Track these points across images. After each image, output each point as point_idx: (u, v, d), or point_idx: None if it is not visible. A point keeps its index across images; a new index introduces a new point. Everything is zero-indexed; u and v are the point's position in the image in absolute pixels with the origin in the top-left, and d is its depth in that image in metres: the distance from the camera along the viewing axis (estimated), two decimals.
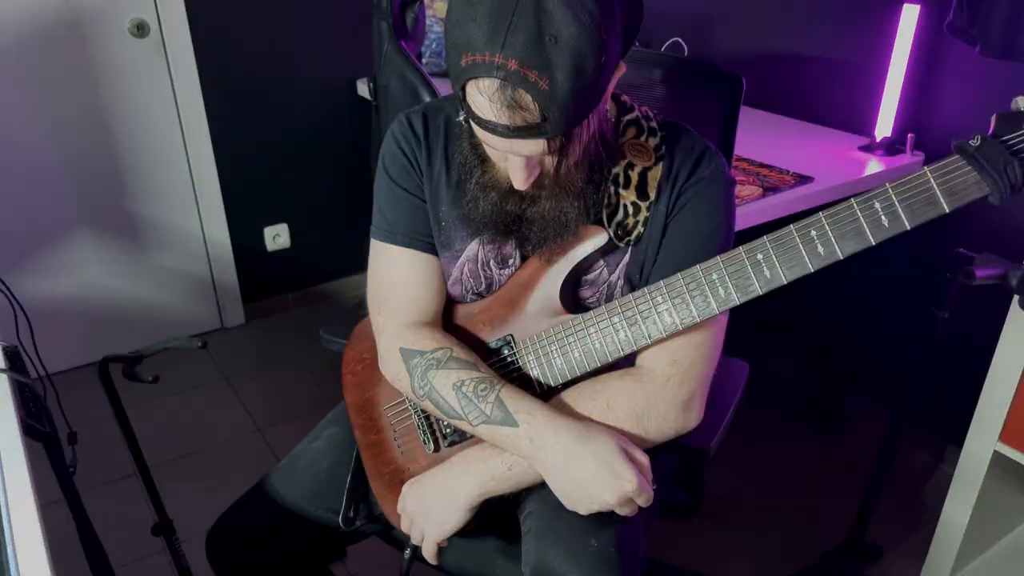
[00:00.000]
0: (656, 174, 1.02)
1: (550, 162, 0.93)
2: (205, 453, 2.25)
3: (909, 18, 1.92)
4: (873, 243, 0.85)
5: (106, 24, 2.34)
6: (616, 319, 0.99)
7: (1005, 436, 1.49)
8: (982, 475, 1.55)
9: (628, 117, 1.03)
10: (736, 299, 0.92)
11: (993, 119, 0.79)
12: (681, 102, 1.44)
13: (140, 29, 2.38)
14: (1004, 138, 0.78)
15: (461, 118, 0.96)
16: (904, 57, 1.96)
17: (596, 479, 0.93)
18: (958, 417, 1.63)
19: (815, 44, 2.23)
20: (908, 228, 0.83)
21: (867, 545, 1.84)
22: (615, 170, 1.02)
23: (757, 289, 0.91)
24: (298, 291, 3.01)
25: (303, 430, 1.30)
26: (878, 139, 2.03)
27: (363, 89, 2.75)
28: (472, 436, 1.06)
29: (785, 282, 0.89)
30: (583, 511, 0.96)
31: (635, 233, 1.03)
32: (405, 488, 1.11)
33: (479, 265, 1.09)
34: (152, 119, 2.51)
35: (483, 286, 1.11)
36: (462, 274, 1.11)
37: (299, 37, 2.66)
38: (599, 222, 1.03)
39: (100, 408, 1.39)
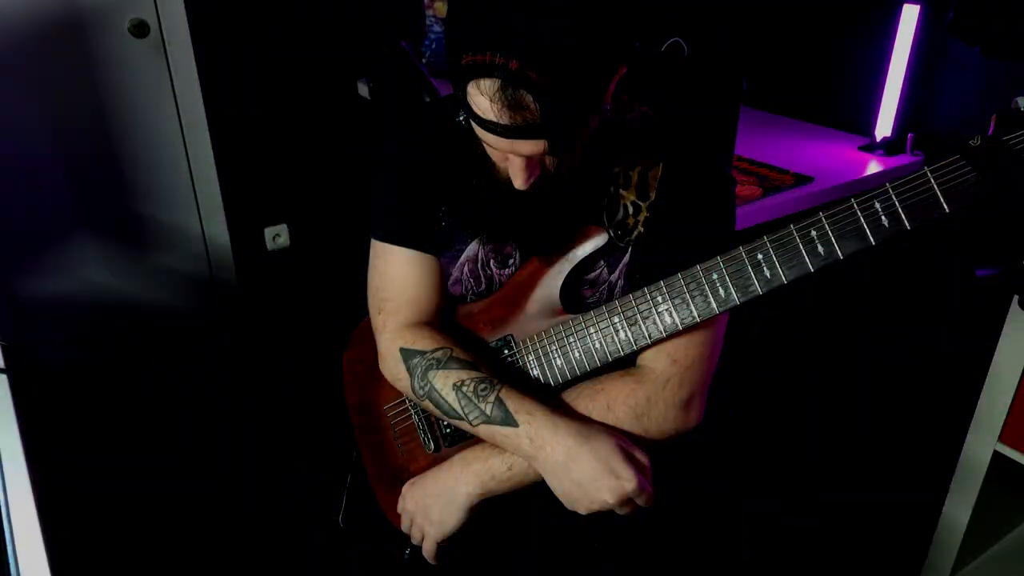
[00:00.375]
0: (656, 174, 1.02)
1: (550, 162, 0.93)
2: (205, 453, 2.25)
3: (909, 18, 1.92)
4: (873, 243, 0.85)
5: (106, 24, 2.34)
6: (616, 319, 0.99)
7: (1005, 436, 1.49)
8: (982, 475, 1.55)
9: (628, 117, 1.03)
10: (736, 299, 0.92)
11: (993, 119, 0.79)
12: (681, 102, 1.44)
13: (140, 29, 2.38)
14: (1004, 138, 0.78)
15: (461, 118, 0.96)
16: (904, 57, 1.96)
17: (596, 479, 0.93)
18: (958, 417, 1.63)
19: (815, 44, 2.23)
20: (908, 228, 0.83)
21: (867, 545, 1.84)
22: (615, 170, 1.02)
23: (757, 289, 0.91)
24: (298, 291, 3.01)
25: (303, 431, 1.30)
26: (878, 139, 2.03)
27: (363, 89, 2.75)
28: (472, 436, 1.06)
29: (785, 282, 0.89)
30: (583, 511, 0.96)
31: (635, 233, 1.03)
32: (405, 488, 1.11)
33: (479, 265, 1.09)
34: (152, 119, 2.51)
35: (483, 286, 1.11)
36: (462, 274, 1.11)
37: (299, 37, 2.66)
38: (599, 222, 1.03)
39: (100, 408, 1.39)
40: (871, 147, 2.04)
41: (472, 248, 1.09)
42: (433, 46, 2.68)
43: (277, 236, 2.89)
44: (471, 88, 0.84)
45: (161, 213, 2.63)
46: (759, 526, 1.97)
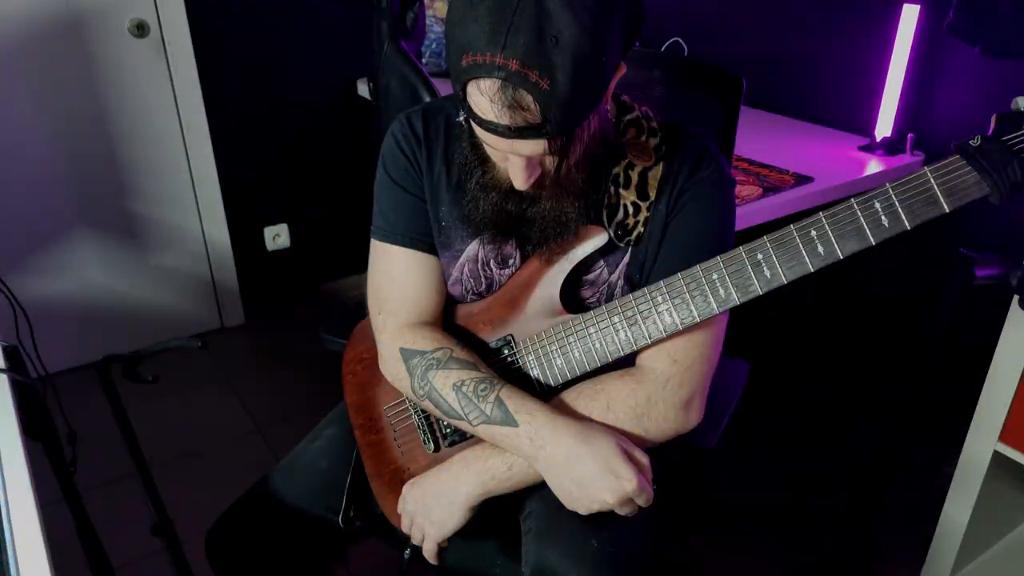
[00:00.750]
0: (656, 174, 1.02)
1: (551, 162, 0.93)
2: (205, 453, 2.25)
3: (909, 18, 1.92)
4: (873, 243, 0.85)
5: (106, 24, 2.34)
6: (616, 319, 0.99)
7: (1005, 436, 1.49)
8: (982, 475, 1.55)
9: (628, 117, 1.03)
10: (736, 299, 0.92)
11: (993, 119, 0.79)
12: (681, 102, 1.44)
13: (140, 29, 2.38)
14: (1004, 138, 0.78)
15: (461, 118, 0.96)
16: (904, 57, 1.96)
17: (596, 479, 0.93)
18: (958, 417, 1.63)
19: (815, 44, 2.23)
20: (908, 228, 0.83)
21: (867, 545, 1.84)
22: (615, 170, 1.02)
23: (757, 289, 0.91)
24: (298, 291, 3.01)
25: (303, 430, 1.30)
26: (878, 139, 2.03)
27: (363, 89, 2.76)
28: (472, 436, 1.06)
29: (785, 282, 0.89)
30: (583, 511, 0.96)
31: (635, 233, 1.03)
32: (405, 488, 1.11)
33: (479, 265, 1.09)
34: (152, 119, 2.51)
35: (483, 286, 1.11)
36: (462, 274, 1.11)
37: (299, 37, 2.66)
38: (599, 222, 1.03)
39: (100, 408, 1.39)
40: (871, 147, 2.04)
41: (472, 248, 1.09)
42: (433, 46, 2.68)
43: (277, 236, 2.90)
44: (471, 88, 0.84)
45: (161, 213, 2.63)
46: (759, 526, 1.97)
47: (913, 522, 1.95)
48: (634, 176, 1.02)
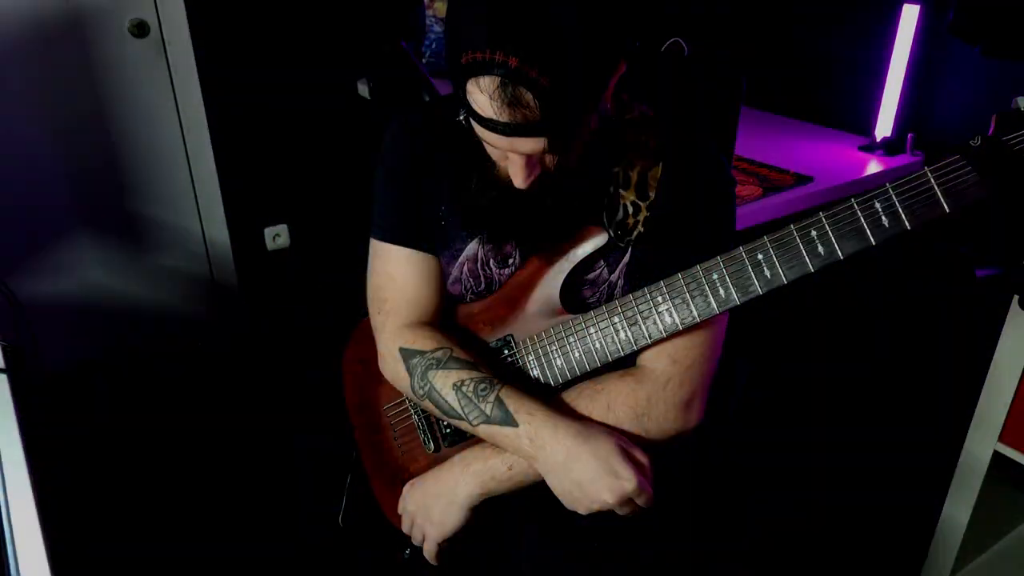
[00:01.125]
0: (656, 173, 1.02)
1: (550, 161, 0.93)
2: (204, 453, 2.25)
3: (909, 18, 1.92)
4: (873, 243, 0.85)
5: (106, 24, 2.34)
6: (616, 319, 0.99)
7: (1005, 436, 1.49)
8: (982, 475, 1.55)
9: (628, 116, 1.03)
10: (736, 299, 0.92)
11: (993, 119, 0.79)
12: (681, 102, 1.44)
13: (140, 29, 2.38)
14: (1005, 138, 0.78)
15: (461, 117, 0.96)
16: (904, 57, 1.96)
17: (596, 479, 0.93)
18: (958, 417, 1.63)
19: (815, 44, 2.23)
20: (908, 228, 0.83)
21: (868, 545, 1.84)
22: (615, 169, 1.02)
23: (757, 289, 0.91)
24: (298, 291, 3.01)
25: (303, 430, 1.30)
26: (878, 139, 2.03)
27: (363, 89, 2.75)
28: (472, 436, 1.06)
29: (785, 282, 0.89)
30: (583, 511, 0.96)
31: (635, 233, 1.03)
32: (406, 489, 1.11)
33: (479, 265, 1.09)
34: (152, 119, 2.51)
35: (482, 286, 1.11)
36: (462, 273, 1.11)
37: (299, 37, 2.66)
38: (599, 222, 1.03)
39: (100, 408, 1.39)
40: (871, 147, 2.04)
41: (472, 248, 1.09)
42: (433, 46, 2.68)
43: (277, 236, 2.89)
44: (471, 86, 0.83)
45: (161, 213, 2.63)
46: (759, 526, 1.97)
47: (913, 522, 1.95)
48: (634, 176, 1.02)
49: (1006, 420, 1.48)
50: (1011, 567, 1.72)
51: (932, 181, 0.81)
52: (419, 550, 1.10)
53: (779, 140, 2.14)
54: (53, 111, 2.35)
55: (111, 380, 2.52)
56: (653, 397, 1.01)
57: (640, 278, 1.05)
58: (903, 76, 1.98)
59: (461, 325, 1.12)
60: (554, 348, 1.04)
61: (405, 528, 1.10)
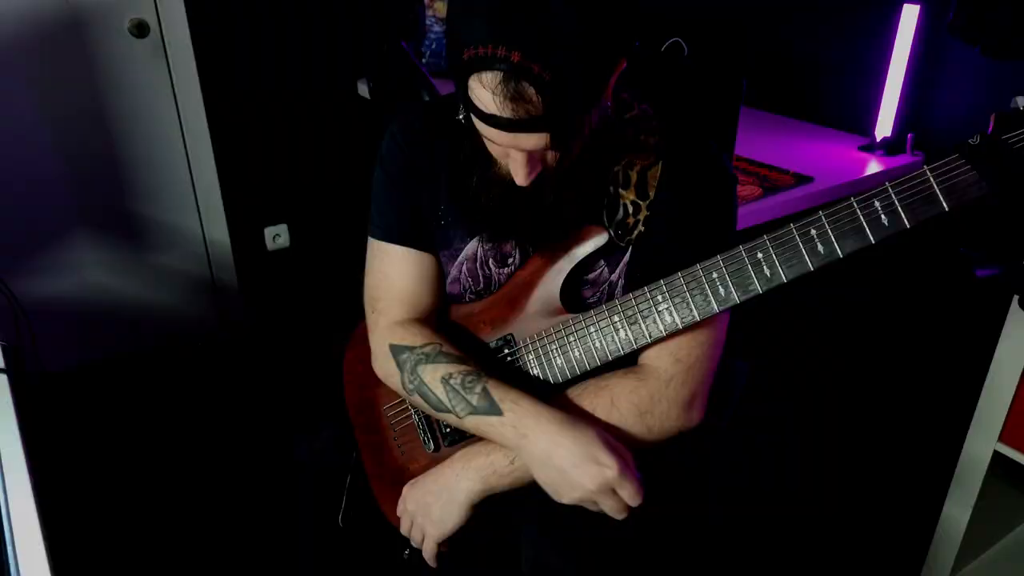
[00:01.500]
0: (656, 173, 1.02)
1: (552, 158, 0.93)
2: (205, 453, 2.25)
3: (909, 18, 1.92)
4: (873, 242, 0.85)
5: (106, 24, 2.34)
6: (616, 318, 0.99)
7: (1005, 436, 1.49)
8: (982, 475, 1.55)
9: (628, 115, 1.03)
10: (736, 298, 0.92)
11: (993, 118, 0.79)
12: (681, 102, 1.44)
13: (140, 29, 2.38)
14: (1004, 137, 0.78)
15: (461, 116, 0.96)
16: (904, 57, 1.96)
17: (577, 466, 0.93)
18: (958, 417, 1.63)
19: (815, 44, 2.23)
20: (908, 227, 0.83)
21: (867, 545, 1.84)
22: (615, 169, 1.02)
23: (757, 288, 0.91)
24: (298, 291, 3.01)
25: (303, 430, 1.30)
26: (878, 139, 2.03)
27: (363, 89, 2.75)
28: (473, 436, 1.06)
29: (785, 281, 0.89)
30: (566, 500, 0.95)
31: (635, 232, 1.03)
32: (405, 490, 1.10)
33: (478, 264, 1.09)
34: (152, 119, 2.51)
35: (481, 285, 1.11)
36: (460, 273, 1.11)
37: (299, 37, 2.66)
38: (599, 222, 1.03)
39: (100, 408, 1.39)
40: (871, 147, 2.04)
41: (471, 247, 1.09)
42: (433, 46, 2.68)
43: (277, 236, 2.90)
44: (473, 82, 0.83)
45: (161, 213, 2.63)
46: (759, 526, 1.97)
47: (913, 522, 1.95)
48: (633, 175, 1.02)
49: (1006, 420, 1.48)
50: (1011, 567, 1.72)
51: (932, 180, 0.81)
52: (419, 551, 1.10)
53: (779, 140, 2.14)
54: (53, 111, 2.35)
55: (111, 380, 2.52)
56: (656, 395, 1.01)
57: (640, 277, 1.05)
58: (903, 76, 1.98)
59: (461, 325, 1.12)
60: (554, 347, 1.04)
61: (404, 529, 1.10)
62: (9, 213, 2.37)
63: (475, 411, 1.00)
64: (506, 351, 1.07)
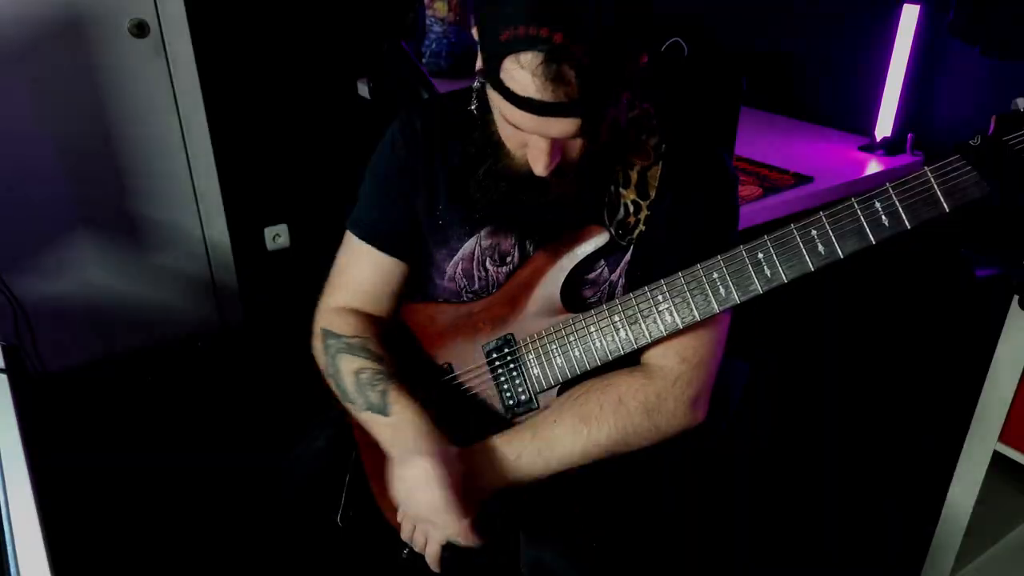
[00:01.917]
0: (656, 173, 1.02)
1: (572, 148, 0.92)
2: (204, 453, 2.25)
3: (909, 18, 1.92)
4: (873, 242, 0.85)
5: (106, 24, 2.34)
6: (617, 318, 0.99)
7: (1005, 436, 1.49)
8: (982, 475, 1.55)
9: (630, 115, 1.03)
10: (737, 298, 0.92)
11: (993, 120, 0.79)
12: (681, 102, 1.44)
13: (140, 29, 2.38)
14: (1005, 138, 0.78)
15: (473, 107, 0.96)
16: (904, 57, 1.96)
17: (414, 492, 0.98)
18: (958, 417, 1.63)
19: (815, 44, 2.23)
20: (908, 228, 0.83)
21: (867, 545, 1.84)
22: (615, 168, 1.02)
23: (757, 288, 0.91)
24: (298, 291, 3.01)
25: (303, 431, 1.30)
26: (878, 139, 2.03)
27: (363, 89, 2.75)
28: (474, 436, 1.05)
29: (785, 281, 0.89)
30: (400, 515, 1.02)
31: (636, 232, 1.03)
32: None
33: (474, 264, 1.09)
34: (152, 119, 2.51)
35: (476, 285, 1.11)
36: (456, 272, 1.11)
37: (299, 37, 2.66)
38: (600, 221, 1.03)
39: (100, 408, 1.39)
40: (871, 147, 2.04)
41: (468, 246, 1.09)
42: (433, 46, 2.68)
43: (277, 236, 2.89)
44: (509, 63, 0.82)
45: (161, 213, 2.63)
46: (759, 526, 1.97)
47: (913, 522, 1.95)
48: (633, 175, 1.02)
49: (1006, 420, 1.48)
50: (1011, 567, 1.72)
51: (932, 181, 0.81)
52: (415, 550, 1.10)
53: (779, 140, 2.14)
54: (53, 111, 2.35)
55: (111, 380, 2.52)
56: (663, 394, 1.01)
57: (641, 277, 1.05)
58: (903, 76, 1.98)
59: (461, 324, 1.12)
60: (554, 347, 1.04)
61: (405, 534, 1.09)
62: (9, 213, 2.37)
63: (370, 407, 1.04)
64: (506, 350, 1.07)
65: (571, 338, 1.03)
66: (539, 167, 0.91)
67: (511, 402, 1.08)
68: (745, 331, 1.11)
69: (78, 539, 1.55)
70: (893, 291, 2.18)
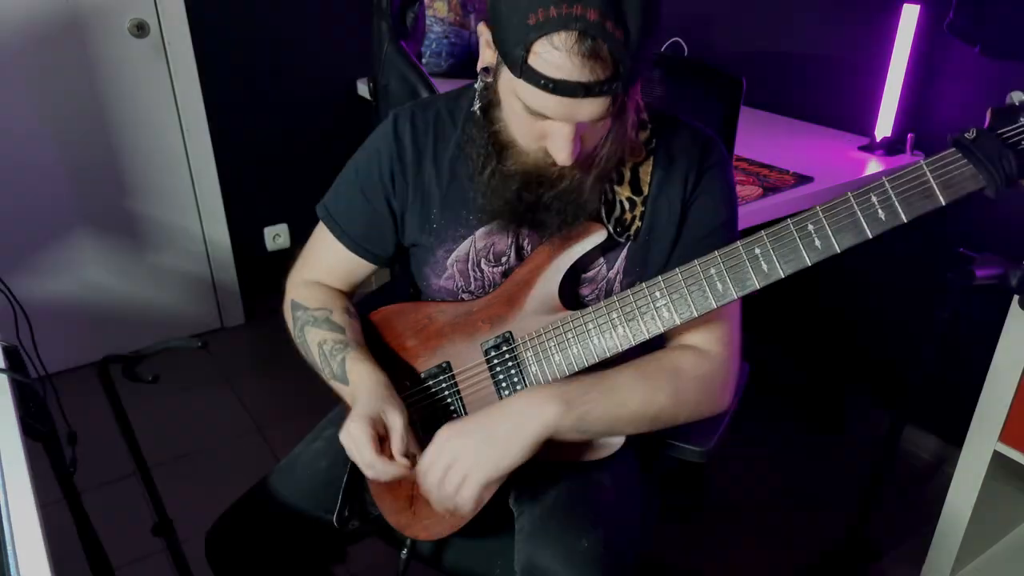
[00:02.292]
0: (647, 168, 1.02)
1: (594, 135, 0.92)
2: (205, 453, 2.25)
3: (909, 18, 1.92)
4: (870, 236, 0.85)
5: (106, 24, 2.34)
6: (615, 315, 0.99)
7: (1005, 436, 1.49)
8: (982, 475, 1.55)
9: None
10: (734, 294, 0.92)
11: (988, 113, 0.79)
12: (681, 102, 1.44)
13: (140, 29, 2.38)
14: (999, 131, 0.78)
15: (476, 107, 0.96)
16: (904, 57, 1.96)
17: (361, 431, 0.98)
18: (958, 417, 1.62)
19: (815, 44, 2.23)
20: (905, 221, 0.83)
21: (867, 545, 1.84)
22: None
23: (755, 284, 0.91)
24: None
25: (303, 430, 1.30)
26: (878, 139, 2.03)
27: (363, 89, 2.76)
28: None
29: (783, 276, 0.89)
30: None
31: (633, 228, 1.03)
32: (441, 434, 0.99)
33: (469, 265, 1.10)
34: (152, 119, 2.51)
35: (473, 285, 1.11)
36: (453, 271, 1.11)
37: (299, 37, 2.66)
38: (598, 219, 1.03)
39: (100, 408, 1.39)
40: (871, 147, 2.04)
41: (463, 247, 1.09)
42: (433, 46, 2.68)
43: (277, 236, 2.90)
44: (540, 46, 0.82)
45: (161, 213, 2.63)
46: (758, 526, 1.97)
47: (913, 522, 1.94)
48: (626, 172, 1.02)
49: (1006, 420, 1.48)
50: (1011, 567, 1.72)
51: (928, 174, 0.81)
52: (415, 548, 1.10)
53: (779, 140, 2.14)
54: (53, 111, 2.35)
55: (111, 380, 2.51)
56: (714, 373, 1.04)
57: (639, 274, 1.05)
58: (903, 76, 1.98)
59: (460, 323, 1.12)
60: (552, 344, 1.04)
61: (433, 481, 0.97)
62: (9, 213, 2.37)
63: (334, 376, 1.08)
64: (504, 348, 1.07)
65: (569, 336, 1.03)
66: (563, 156, 0.90)
67: None
68: (746, 330, 1.11)
69: (78, 539, 1.54)
70: (893, 291, 2.18)
